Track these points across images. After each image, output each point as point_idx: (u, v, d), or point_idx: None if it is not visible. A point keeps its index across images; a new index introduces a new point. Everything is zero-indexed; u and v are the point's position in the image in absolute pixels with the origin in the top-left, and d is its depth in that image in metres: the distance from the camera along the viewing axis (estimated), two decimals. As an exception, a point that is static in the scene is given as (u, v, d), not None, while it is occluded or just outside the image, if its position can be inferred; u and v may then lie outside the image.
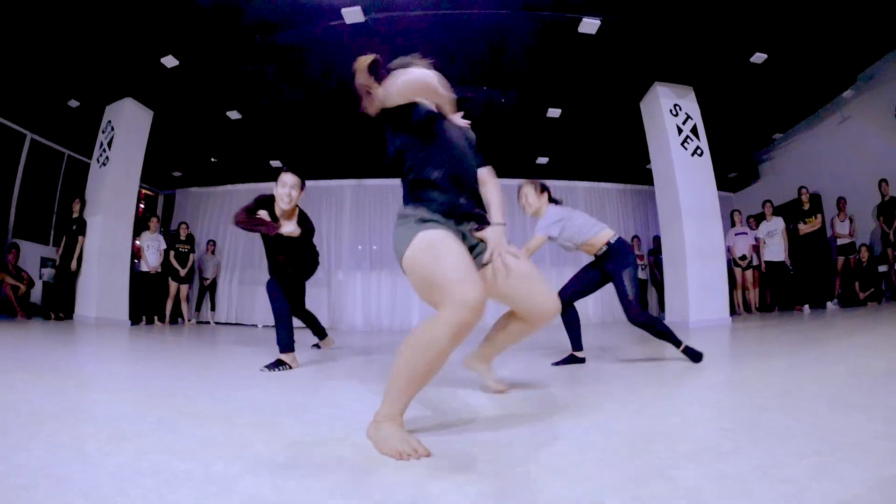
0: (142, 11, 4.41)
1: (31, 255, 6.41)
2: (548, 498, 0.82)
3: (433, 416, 1.46)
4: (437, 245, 1.21)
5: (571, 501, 0.81)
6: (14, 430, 1.24)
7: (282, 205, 2.66)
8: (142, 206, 8.70)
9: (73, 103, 5.91)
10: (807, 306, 6.12)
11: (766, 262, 6.53)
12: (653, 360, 2.68)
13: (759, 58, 5.27)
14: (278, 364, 2.55)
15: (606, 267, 2.62)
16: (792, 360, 2.39)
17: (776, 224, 6.51)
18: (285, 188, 2.66)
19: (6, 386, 1.82)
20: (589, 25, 4.68)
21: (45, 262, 6.53)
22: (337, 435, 1.26)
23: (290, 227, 2.65)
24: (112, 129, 5.81)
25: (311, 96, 5.93)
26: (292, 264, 2.82)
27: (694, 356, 2.40)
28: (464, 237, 1.39)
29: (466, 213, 1.40)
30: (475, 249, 1.46)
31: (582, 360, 2.67)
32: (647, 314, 2.54)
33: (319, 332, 3.56)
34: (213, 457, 1.05)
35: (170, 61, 5.10)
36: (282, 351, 2.62)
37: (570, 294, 2.73)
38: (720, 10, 4.48)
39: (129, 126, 5.86)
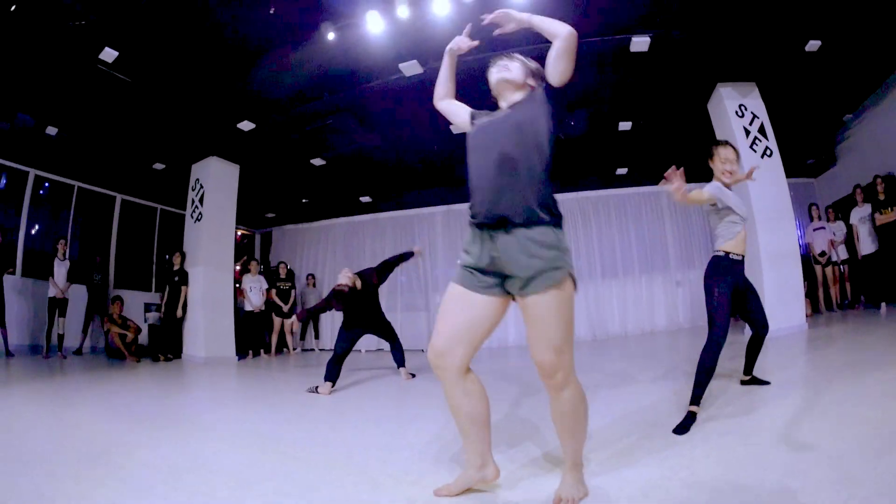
0: (214, 87, 4.91)
1: (136, 303, 7.18)
2: None
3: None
4: (446, 297, 1.52)
5: None
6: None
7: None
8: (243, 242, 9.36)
9: (159, 166, 6.63)
10: (883, 304, 5.64)
11: (863, 255, 6.05)
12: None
13: (813, 45, 5.01)
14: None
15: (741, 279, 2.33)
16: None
17: (867, 210, 6.04)
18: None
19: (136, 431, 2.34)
20: (639, 44, 4.67)
21: (148, 308, 7.29)
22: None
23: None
24: (201, 186, 6.46)
25: (385, 140, 6.30)
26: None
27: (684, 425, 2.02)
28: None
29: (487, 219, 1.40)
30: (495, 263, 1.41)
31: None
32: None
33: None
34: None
35: (246, 125, 5.61)
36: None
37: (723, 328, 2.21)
38: (766, 3, 4.30)
39: (217, 182, 6.48)
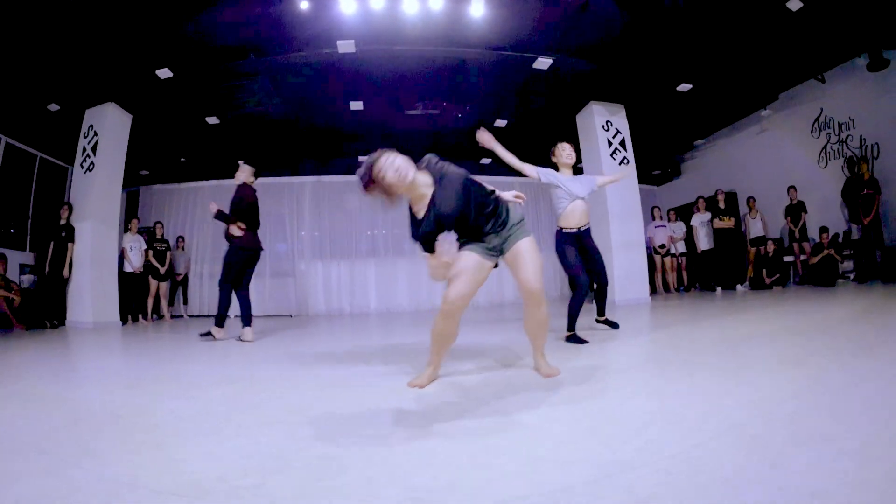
0: (141, 29, 4.69)
1: (10, 263, 6.21)
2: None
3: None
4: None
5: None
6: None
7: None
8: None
9: (54, 107, 5.93)
10: (719, 288, 7.50)
11: (702, 251, 7.87)
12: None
13: (684, 87, 6.52)
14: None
15: (587, 243, 3.24)
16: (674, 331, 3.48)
17: (706, 216, 7.88)
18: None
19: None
20: (542, 63, 5.66)
21: (23, 269, 6.43)
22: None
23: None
24: (95, 134, 5.95)
25: (290, 108, 6.51)
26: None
27: (577, 340, 2.94)
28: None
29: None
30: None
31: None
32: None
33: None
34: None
35: (164, 73, 5.39)
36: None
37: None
38: (650, 47, 5.52)
39: (112, 131, 6.01)
